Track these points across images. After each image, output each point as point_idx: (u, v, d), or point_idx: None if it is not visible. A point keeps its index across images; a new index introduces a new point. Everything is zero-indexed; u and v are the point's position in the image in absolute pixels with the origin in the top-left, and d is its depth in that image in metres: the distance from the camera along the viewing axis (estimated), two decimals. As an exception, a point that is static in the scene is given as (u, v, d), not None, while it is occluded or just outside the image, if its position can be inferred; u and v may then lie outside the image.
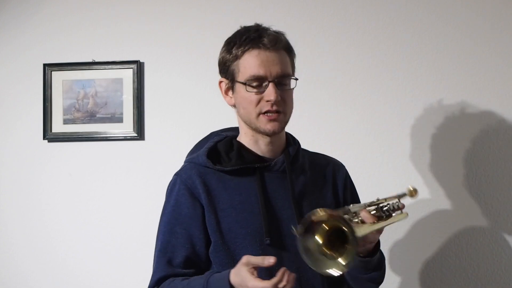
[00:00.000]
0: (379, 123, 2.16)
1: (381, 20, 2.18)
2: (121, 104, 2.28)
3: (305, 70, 2.19)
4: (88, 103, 2.30)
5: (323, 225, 1.21)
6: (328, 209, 1.22)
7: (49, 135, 2.31)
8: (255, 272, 1.28)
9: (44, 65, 2.31)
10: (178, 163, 2.23)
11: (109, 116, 2.29)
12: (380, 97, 2.17)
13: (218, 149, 1.53)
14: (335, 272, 1.19)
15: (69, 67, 2.30)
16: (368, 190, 2.12)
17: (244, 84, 1.44)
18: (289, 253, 1.42)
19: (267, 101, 1.43)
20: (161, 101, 2.28)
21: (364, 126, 2.17)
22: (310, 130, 2.16)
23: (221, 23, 2.26)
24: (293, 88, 1.49)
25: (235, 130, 1.58)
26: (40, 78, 2.31)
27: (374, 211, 1.37)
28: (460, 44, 2.14)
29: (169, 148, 2.27)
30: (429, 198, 2.12)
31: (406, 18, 2.17)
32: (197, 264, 1.47)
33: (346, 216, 1.26)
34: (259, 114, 1.45)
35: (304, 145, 1.63)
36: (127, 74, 2.28)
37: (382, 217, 1.36)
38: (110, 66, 2.28)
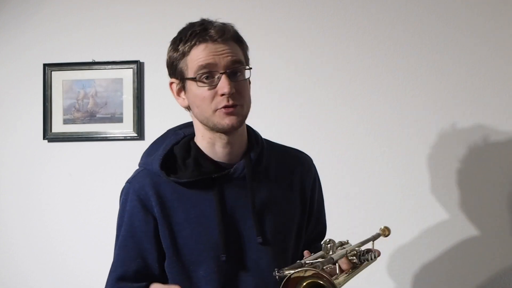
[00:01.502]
0: (379, 123, 2.16)
1: (381, 20, 2.18)
2: (121, 104, 2.28)
3: (305, 70, 2.20)
4: (88, 103, 2.30)
5: (304, 281, 1.12)
6: (311, 266, 1.13)
7: (49, 135, 2.31)
8: None
9: (44, 65, 2.31)
10: (178, 163, 2.25)
11: (109, 116, 2.29)
12: (380, 97, 2.17)
13: (175, 154, 1.41)
14: None
15: (69, 67, 2.30)
16: (368, 190, 2.15)
17: (194, 79, 1.33)
18: (248, 269, 1.37)
19: (222, 94, 1.31)
20: (161, 101, 2.28)
21: (364, 126, 2.17)
22: (310, 130, 2.16)
23: (221, 23, 2.26)
24: (248, 79, 1.38)
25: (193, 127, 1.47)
26: (40, 78, 2.31)
27: (353, 258, 1.29)
28: (460, 44, 2.14)
29: (169, 148, 2.27)
30: (430, 198, 2.12)
31: (406, 18, 2.17)
32: (149, 277, 1.40)
33: (326, 267, 1.18)
34: (215, 110, 1.33)
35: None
36: (127, 74, 2.28)
37: (357, 265, 1.29)
38: (110, 66, 2.28)
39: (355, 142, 2.17)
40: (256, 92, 2.20)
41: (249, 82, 1.41)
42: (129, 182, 1.46)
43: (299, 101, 2.18)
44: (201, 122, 1.39)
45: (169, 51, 1.42)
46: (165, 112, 2.28)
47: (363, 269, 1.31)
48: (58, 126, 2.31)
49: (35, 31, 2.35)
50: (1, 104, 2.37)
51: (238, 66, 1.35)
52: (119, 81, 2.28)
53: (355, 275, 1.27)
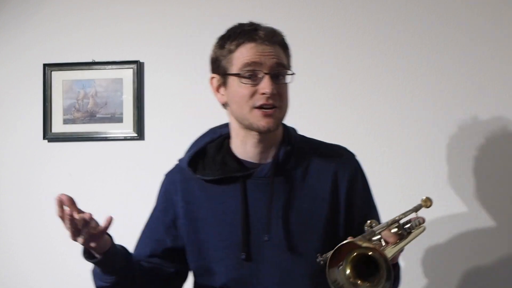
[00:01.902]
0: (379, 123, 2.16)
1: (381, 20, 2.18)
2: (121, 104, 2.28)
3: (305, 70, 2.20)
4: (88, 103, 2.30)
5: (351, 254, 1.11)
6: (352, 238, 1.12)
7: (49, 135, 2.31)
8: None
9: (44, 65, 2.31)
10: (178, 163, 2.25)
11: (109, 116, 2.29)
12: (380, 97, 2.16)
13: (207, 152, 1.46)
14: None
15: (69, 67, 2.30)
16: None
17: (238, 75, 1.35)
18: (269, 267, 1.37)
19: (262, 93, 1.34)
20: (161, 101, 2.28)
21: (364, 126, 2.17)
22: (310, 130, 2.13)
23: (221, 23, 2.24)
24: (288, 84, 1.41)
25: None
26: (40, 78, 2.31)
27: (396, 229, 1.25)
28: (461, 44, 2.14)
29: (169, 148, 2.25)
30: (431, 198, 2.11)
31: (406, 18, 2.17)
32: (162, 261, 1.49)
33: (372, 242, 1.17)
34: (252, 108, 1.35)
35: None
36: (127, 74, 2.28)
37: (404, 235, 1.25)
38: (110, 66, 2.28)
39: (355, 142, 2.15)
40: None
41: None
42: (165, 175, 1.54)
43: (299, 101, 2.17)
44: (236, 119, 1.41)
45: (214, 47, 1.44)
46: (165, 112, 2.28)
47: (412, 239, 1.27)
48: (58, 126, 2.31)
49: (35, 31, 2.35)
50: (1, 104, 2.37)
51: (282, 69, 1.38)
52: (119, 81, 2.28)
53: (403, 245, 1.23)
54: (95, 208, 2.28)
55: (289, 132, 1.48)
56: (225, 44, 1.40)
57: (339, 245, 1.09)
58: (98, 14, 2.32)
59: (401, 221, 1.27)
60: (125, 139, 2.28)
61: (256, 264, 1.38)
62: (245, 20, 2.20)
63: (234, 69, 1.37)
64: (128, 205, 2.28)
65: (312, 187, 1.42)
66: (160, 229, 1.49)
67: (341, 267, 1.11)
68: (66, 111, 2.31)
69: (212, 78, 1.44)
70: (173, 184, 1.48)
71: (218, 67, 1.41)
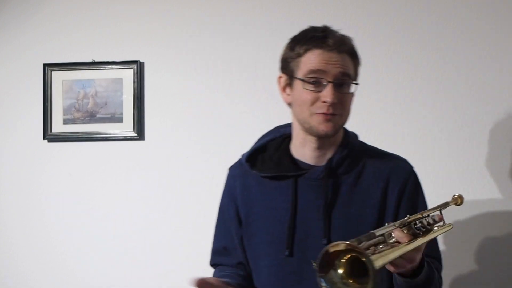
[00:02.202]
0: (379, 123, 2.16)
1: (381, 20, 2.17)
2: (121, 104, 2.28)
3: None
4: (88, 103, 2.30)
5: (342, 256, 1.11)
6: (345, 240, 1.09)
7: (49, 135, 2.31)
8: None
9: (44, 65, 2.31)
10: (178, 163, 2.26)
11: (109, 116, 2.29)
12: (380, 97, 2.16)
13: (267, 149, 1.53)
14: None
15: (69, 67, 2.30)
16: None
17: (302, 80, 1.38)
18: (309, 268, 1.34)
19: (324, 102, 1.36)
20: (161, 101, 2.28)
21: (364, 126, 2.16)
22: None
23: (221, 23, 2.26)
24: (352, 93, 1.42)
25: None
26: (40, 78, 2.31)
27: (407, 229, 1.21)
28: (461, 43, 2.13)
29: (169, 148, 2.27)
30: (430, 198, 2.11)
31: (406, 18, 2.16)
32: (236, 254, 1.54)
33: (363, 244, 1.14)
34: (312, 114, 1.39)
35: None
36: (127, 74, 2.28)
37: (418, 233, 1.21)
38: (110, 66, 2.28)
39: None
40: (256, 93, 2.22)
41: (353, 95, 1.44)
42: (228, 169, 1.61)
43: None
44: (298, 121, 1.45)
45: (285, 48, 1.46)
46: (165, 112, 2.28)
47: (432, 237, 1.24)
48: (58, 126, 2.31)
49: (35, 31, 2.35)
50: (1, 104, 2.37)
51: (346, 79, 1.39)
52: (119, 81, 2.28)
53: (416, 245, 1.19)
54: (95, 208, 2.31)
55: (348, 137, 1.50)
56: (295, 46, 1.42)
57: (326, 247, 1.08)
58: (98, 14, 2.32)
59: (412, 221, 1.23)
60: (125, 139, 2.28)
61: (299, 263, 1.41)
62: (244, 20, 2.23)
63: (300, 73, 1.39)
64: (128, 205, 2.28)
65: (363, 193, 1.44)
66: (229, 225, 1.55)
67: (335, 268, 1.11)
68: (66, 111, 2.31)
69: (280, 77, 1.48)
70: (233, 178, 1.56)
71: (286, 68, 1.44)
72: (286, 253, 1.41)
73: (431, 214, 1.27)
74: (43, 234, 2.31)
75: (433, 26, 2.15)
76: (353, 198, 1.43)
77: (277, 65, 2.20)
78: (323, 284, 1.10)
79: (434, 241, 1.46)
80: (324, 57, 1.37)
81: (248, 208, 1.50)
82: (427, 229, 1.23)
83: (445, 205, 1.35)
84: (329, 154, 1.46)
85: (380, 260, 1.10)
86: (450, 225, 1.32)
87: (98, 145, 2.30)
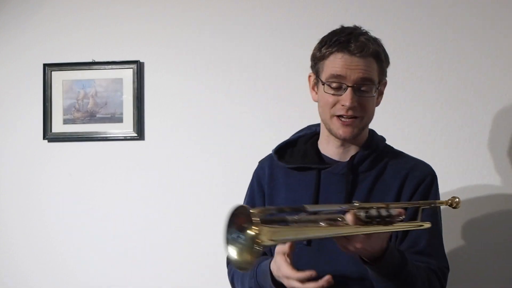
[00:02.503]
0: (379, 123, 2.15)
1: (381, 20, 2.17)
2: (121, 104, 2.28)
3: (305, 70, 2.20)
4: (88, 103, 2.30)
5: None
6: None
7: (49, 135, 2.31)
8: (288, 259, 1.31)
9: (44, 65, 2.31)
10: (178, 163, 2.26)
11: (109, 116, 2.29)
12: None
13: (297, 144, 1.59)
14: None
15: (69, 67, 2.30)
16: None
17: (324, 83, 1.44)
18: (327, 255, 1.42)
19: (342, 105, 1.42)
20: (161, 101, 2.28)
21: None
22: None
23: (221, 23, 2.26)
24: (374, 96, 1.46)
25: None
26: (40, 78, 2.31)
27: (362, 214, 1.23)
28: (461, 43, 2.13)
29: (169, 148, 2.27)
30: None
31: (406, 18, 2.16)
32: None
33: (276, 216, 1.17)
34: (332, 116, 1.45)
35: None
36: (127, 74, 2.28)
37: (370, 222, 1.22)
38: (110, 66, 2.28)
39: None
40: (256, 93, 2.22)
41: (382, 93, 1.51)
42: (258, 162, 1.66)
43: (299, 101, 2.18)
44: (322, 121, 1.52)
45: (315, 48, 1.50)
46: (165, 112, 2.28)
47: (389, 229, 1.25)
48: (58, 126, 2.31)
49: (35, 31, 2.35)
50: (1, 104, 2.37)
51: (366, 83, 1.43)
52: (119, 81, 2.28)
53: (363, 231, 1.20)
54: (95, 208, 2.31)
55: (373, 138, 1.56)
56: (322, 47, 1.47)
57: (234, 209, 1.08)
58: (98, 14, 2.32)
59: (368, 207, 1.24)
60: (125, 139, 2.28)
61: (318, 253, 1.43)
62: (244, 20, 2.23)
63: (324, 76, 1.45)
64: (128, 205, 2.28)
65: (382, 190, 1.48)
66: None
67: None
68: (66, 111, 2.31)
69: (310, 76, 1.54)
70: (262, 169, 1.61)
71: (314, 67, 1.50)
72: (305, 242, 1.44)
73: (393, 208, 1.27)
74: (43, 234, 2.31)
75: (433, 26, 2.15)
76: (373, 194, 1.47)
77: (277, 65, 2.23)
78: (228, 236, 1.09)
79: (435, 241, 1.48)
80: (346, 61, 1.41)
81: (273, 198, 1.55)
82: (385, 221, 1.24)
83: (440, 203, 1.39)
84: (352, 152, 1.52)
85: (273, 235, 1.08)
86: (422, 224, 1.35)
87: (98, 145, 2.30)
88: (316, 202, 1.47)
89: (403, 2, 2.17)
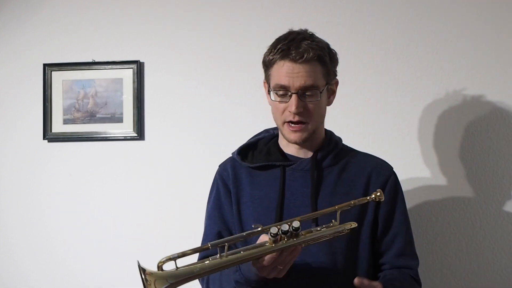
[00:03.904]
0: (379, 123, 2.16)
1: (381, 20, 2.17)
2: (121, 104, 2.28)
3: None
4: (88, 103, 2.30)
5: None
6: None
7: (49, 135, 2.31)
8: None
9: (44, 65, 2.31)
10: (178, 163, 2.26)
11: (109, 116, 2.29)
12: (380, 97, 2.16)
13: (257, 146, 1.63)
14: None
15: (69, 67, 2.30)
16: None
17: (270, 92, 1.51)
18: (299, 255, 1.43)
19: (290, 111, 1.47)
20: (161, 101, 2.28)
21: (364, 126, 2.16)
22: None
23: (220, 23, 2.26)
24: (319, 100, 1.49)
25: None
26: (40, 78, 2.31)
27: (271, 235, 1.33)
28: (461, 44, 2.13)
29: (169, 148, 2.27)
30: (430, 198, 2.12)
31: (406, 18, 2.16)
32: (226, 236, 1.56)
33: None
34: (284, 122, 1.51)
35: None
36: (127, 74, 2.28)
37: (276, 240, 1.32)
38: (110, 66, 2.28)
39: (355, 142, 2.16)
40: (256, 92, 2.22)
41: (334, 92, 1.57)
42: (219, 166, 1.69)
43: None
44: (276, 125, 1.58)
45: (264, 55, 1.55)
46: (165, 112, 2.28)
47: (292, 244, 1.33)
48: (58, 126, 2.31)
49: (35, 31, 2.35)
50: (1, 104, 2.37)
51: (310, 89, 1.47)
52: (119, 81, 2.28)
53: (273, 249, 1.31)
54: (95, 208, 2.31)
55: (332, 137, 1.62)
56: (268, 54, 1.52)
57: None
58: (98, 14, 2.32)
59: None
60: (125, 139, 2.28)
61: None
62: (244, 20, 2.23)
63: (271, 84, 1.52)
64: (128, 205, 2.28)
65: (346, 185, 1.54)
66: (226, 211, 1.60)
67: None
68: (66, 111, 2.31)
69: (264, 82, 1.59)
70: (225, 171, 1.63)
71: (265, 74, 1.56)
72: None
73: (291, 222, 1.33)
74: (43, 234, 2.31)
75: (433, 26, 2.15)
76: (337, 189, 1.53)
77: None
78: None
79: (410, 238, 1.58)
80: (288, 69, 1.46)
81: (238, 198, 1.58)
82: (292, 234, 1.32)
83: (363, 200, 1.44)
84: (312, 150, 1.58)
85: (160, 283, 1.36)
86: (345, 227, 1.40)
87: (98, 145, 2.30)
88: (282, 198, 1.52)
89: (403, 2, 2.17)
